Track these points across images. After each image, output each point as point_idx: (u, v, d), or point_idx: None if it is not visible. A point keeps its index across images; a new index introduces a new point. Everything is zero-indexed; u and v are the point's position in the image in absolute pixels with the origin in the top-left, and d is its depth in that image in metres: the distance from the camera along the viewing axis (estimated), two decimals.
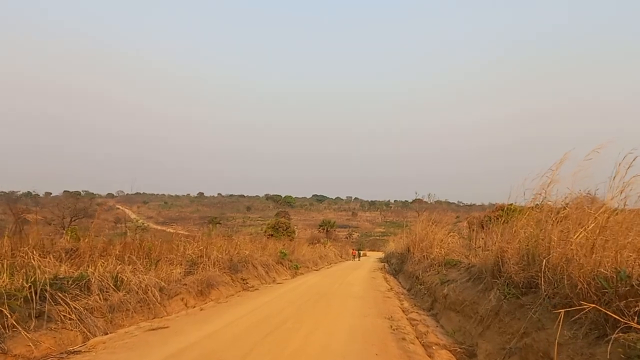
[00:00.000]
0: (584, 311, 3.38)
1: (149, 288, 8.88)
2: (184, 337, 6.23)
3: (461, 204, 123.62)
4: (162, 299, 9.06)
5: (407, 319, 8.22)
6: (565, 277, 4.42)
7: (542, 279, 4.74)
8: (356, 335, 6.61)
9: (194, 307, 9.65)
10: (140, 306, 8.32)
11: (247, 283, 13.54)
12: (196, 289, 10.82)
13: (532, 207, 6.53)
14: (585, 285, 3.80)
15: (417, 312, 8.95)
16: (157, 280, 9.25)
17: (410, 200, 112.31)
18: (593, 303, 3.48)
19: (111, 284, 8.04)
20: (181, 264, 11.93)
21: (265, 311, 8.76)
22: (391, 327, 7.24)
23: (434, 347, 5.83)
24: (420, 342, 6.19)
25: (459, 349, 5.62)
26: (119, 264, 9.17)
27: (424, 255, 14.86)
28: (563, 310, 3.47)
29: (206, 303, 10.21)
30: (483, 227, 19.55)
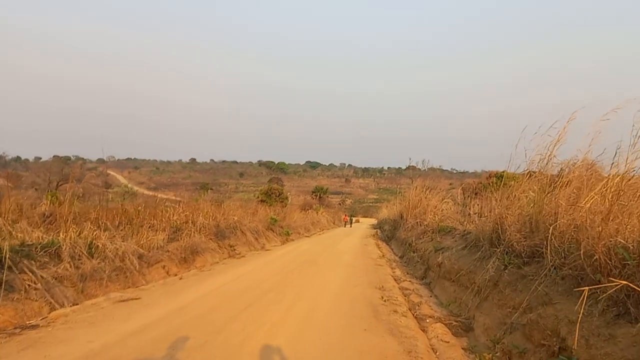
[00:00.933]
0: (614, 289, 2.88)
1: (127, 255, 8.41)
2: (153, 310, 5.75)
3: (455, 171, 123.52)
4: (141, 267, 8.61)
5: (399, 288, 7.84)
6: (574, 246, 3.95)
7: (548, 248, 4.27)
8: (343, 307, 6.17)
9: (176, 275, 9.22)
10: (117, 275, 7.85)
11: (234, 250, 13.12)
12: (179, 256, 10.38)
13: (531, 172, 6.07)
14: (603, 257, 3.31)
15: (409, 281, 8.56)
16: (135, 247, 8.76)
17: (404, 167, 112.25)
18: (614, 276, 3.00)
19: (84, 251, 7.53)
20: (164, 230, 11.44)
21: (248, 280, 8.31)
22: (382, 298, 6.81)
23: (427, 320, 5.42)
24: (413, 315, 5.81)
25: (454, 322, 5.21)
26: (95, 230, 8.66)
27: (417, 222, 14.46)
28: (587, 287, 2.97)
29: (189, 271, 9.78)
30: (477, 194, 19.17)
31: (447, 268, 7.29)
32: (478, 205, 12.03)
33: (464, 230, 9.21)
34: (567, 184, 4.96)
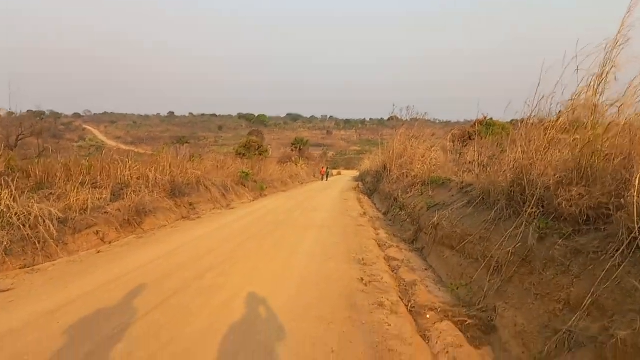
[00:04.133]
0: None
1: (43, 220, 6.64)
2: (13, 313, 3.88)
3: (437, 121, 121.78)
4: (62, 235, 6.85)
5: (385, 258, 6.19)
6: None
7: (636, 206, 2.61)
8: (307, 298, 4.34)
9: (110, 243, 7.50)
10: (23, 246, 6.10)
11: (194, 209, 11.39)
12: (122, 218, 8.63)
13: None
14: None
15: (397, 247, 6.95)
16: (53, 210, 6.94)
17: (386, 118, 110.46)
18: None
19: None
20: (107, 188, 9.62)
21: (187, 253, 6.49)
22: (362, 280, 4.99)
23: (428, 316, 3.74)
24: (407, 306, 4.11)
25: (467, 319, 3.56)
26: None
27: (403, 173, 12.82)
28: None
29: (127, 237, 8.05)
30: (466, 144, 17.53)
31: (446, 232, 5.66)
32: (476, 152, 10.42)
33: (462, 182, 7.60)
34: None
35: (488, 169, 5.99)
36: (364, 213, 11.72)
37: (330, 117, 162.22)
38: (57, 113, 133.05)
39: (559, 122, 4.31)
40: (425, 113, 23.89)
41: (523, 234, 3.81)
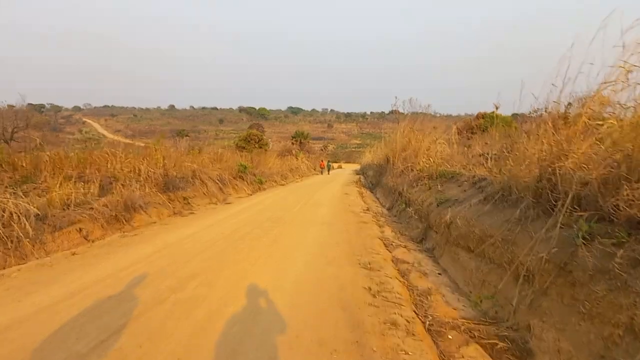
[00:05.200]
0: None
1: (19, 217, 6.08)
2: None
3: (438, 114, 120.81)
4: (40, 233, 6.28)
5: (393, 260, 5.59)
6: None
7: None
8: (303, 314, 3.61)
9: (94, 241, 6.95)
10: None
11: (188, 203, 10.82)
12: (109, 214, 8.06)
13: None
14: None
15: (404, 246, 6.37)
16: (30, 206, 6.37)
17: (386, 112, 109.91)
18: None
19: None
20: (96, 182, 9.05)
21: (172, 255, 5.77)
22: (370, 289, 4.28)
23: (450, 336, 3.12)
24: (425, 325, 3.44)
25: (498, 343, 2.98)
26: None
27: (407, 167, 12.23)
28: None
29: (114, 234, 7.50)
30: (470, 136, 16.93)
31: (461, 231, 5.08)
32: (486, 144, 9.84)
33: (473, 176, 7.03)
34: None
35: (506, 162, 5.40)
36: (367, 208, 11.12)
37: (331, 110, 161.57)
38: (58, 106, 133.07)
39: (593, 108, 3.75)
40: (428, 105, 23.22)
41: (558, 237, 3.24)
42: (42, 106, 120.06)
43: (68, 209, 7.47)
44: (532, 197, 3.99)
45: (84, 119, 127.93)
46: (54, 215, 6.91)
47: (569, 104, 4.52)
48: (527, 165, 4.34)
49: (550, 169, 3.77)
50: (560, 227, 3.28)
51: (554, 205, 3.59)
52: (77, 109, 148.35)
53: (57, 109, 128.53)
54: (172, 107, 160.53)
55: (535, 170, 4.11)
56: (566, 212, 3.33)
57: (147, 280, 4.62)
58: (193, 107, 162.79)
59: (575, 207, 3.32)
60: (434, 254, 5.92)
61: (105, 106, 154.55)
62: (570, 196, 3.36)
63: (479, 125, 28.44)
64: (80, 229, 7.11)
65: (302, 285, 4.45)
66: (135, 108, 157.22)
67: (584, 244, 2.91)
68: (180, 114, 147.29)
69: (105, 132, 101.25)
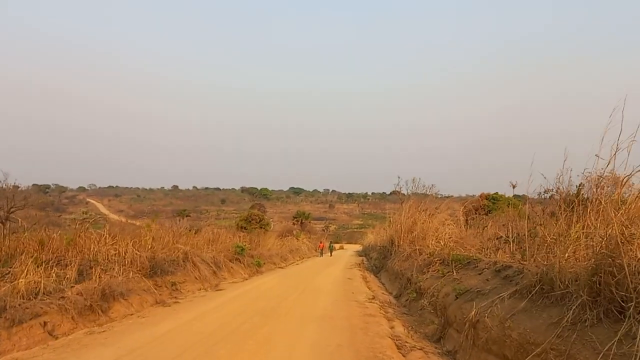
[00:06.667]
0: None
1: None
2: None
3: (439, 195, 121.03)
4: None
5: None
6: None
7: None
8: None
9: (58, 338, 5.98)
10: None
11: (176, 289, 9.85)
12: (83, 303, 7.14)
13: None
14: None
15: (421, 349, 5.31)
16: None
17: (388, 192, 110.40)
18: None
19: None
20: (73, 266, 8.19)
21: None
22: None
23: None
24: None
25: None
26: None
27: (415, 250, 11.33)
28: None
29: (84, 329, 6.54)
30: (467, 220, 16.14)
31: (492, 334, 4.14)
32: (504, 226, 9.03)
33: (495, 263, 6.20)
34: None
35: (539, 247, 4.60)
36: (373, 297, 10.01)
37: (333, 190, 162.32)
38: (63, 187, 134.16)
39: None
40: (432, 185, 22.73)
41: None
42: (47, 187, 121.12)
43: (35, 298, 6.59)
44: (588, 295, 3.17)
45: (87, 199, 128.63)
46: (15, 307, 6.01)
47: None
48: (574, 253, 3.56)
49: (610, 259, 2.99)
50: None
51: (622, 307, 2.78)
52: (81, 189, 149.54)
53: (61, 190, 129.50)
54: (175, 187, 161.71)
55: (591, 259, 3.31)
56: None
57: None
58: (196, 187, 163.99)
59: None
60: (455, 358, 4.93)
61: (109, 186, 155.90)
62: None
63: (484, 206, 27.92)
64: (45, 323, 6.18)
65: None
66: (139, 188, 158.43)
67: None
68: (183, 194, 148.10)
69: (107, 212, 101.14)
